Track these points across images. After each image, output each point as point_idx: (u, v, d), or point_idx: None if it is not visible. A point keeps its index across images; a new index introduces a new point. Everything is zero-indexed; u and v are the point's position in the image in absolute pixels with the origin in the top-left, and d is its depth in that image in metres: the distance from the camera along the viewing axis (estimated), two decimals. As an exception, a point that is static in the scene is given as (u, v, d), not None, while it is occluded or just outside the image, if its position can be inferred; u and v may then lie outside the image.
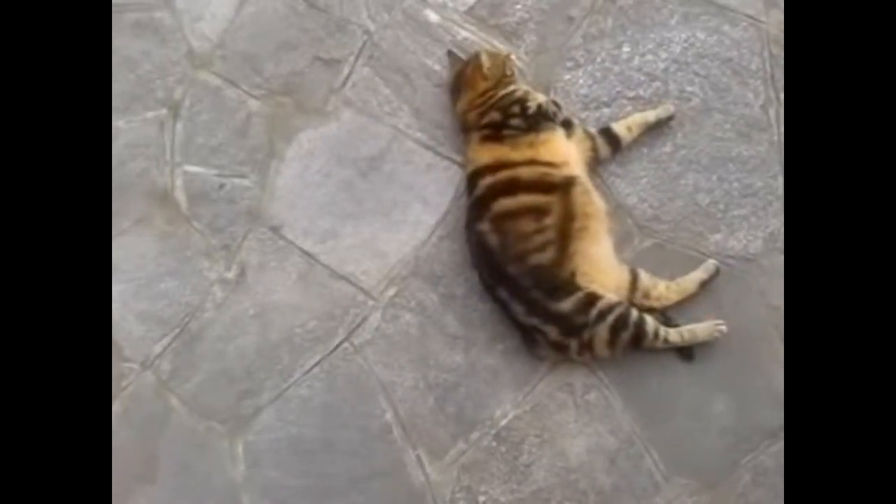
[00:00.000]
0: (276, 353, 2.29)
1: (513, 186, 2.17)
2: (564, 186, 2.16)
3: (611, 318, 2.10)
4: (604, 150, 2.25)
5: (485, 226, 2.18)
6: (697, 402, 2.17)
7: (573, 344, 2.14)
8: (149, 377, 2.30)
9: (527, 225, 2.15)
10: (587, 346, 2.13)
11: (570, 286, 2.13)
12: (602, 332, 2.11)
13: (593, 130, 2.26)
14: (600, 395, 2.21)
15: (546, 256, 2.14)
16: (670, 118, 2.27)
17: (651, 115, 2.26)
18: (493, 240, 2.17)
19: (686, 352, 2.18)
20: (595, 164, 2.26)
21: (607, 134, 2.25)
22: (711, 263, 2.20)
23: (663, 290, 2.18)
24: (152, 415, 2.29)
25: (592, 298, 2.11)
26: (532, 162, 2.18)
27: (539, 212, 2.15)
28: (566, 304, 2.12)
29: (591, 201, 2.17)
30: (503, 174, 2.18)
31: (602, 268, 2.16)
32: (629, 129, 2.26)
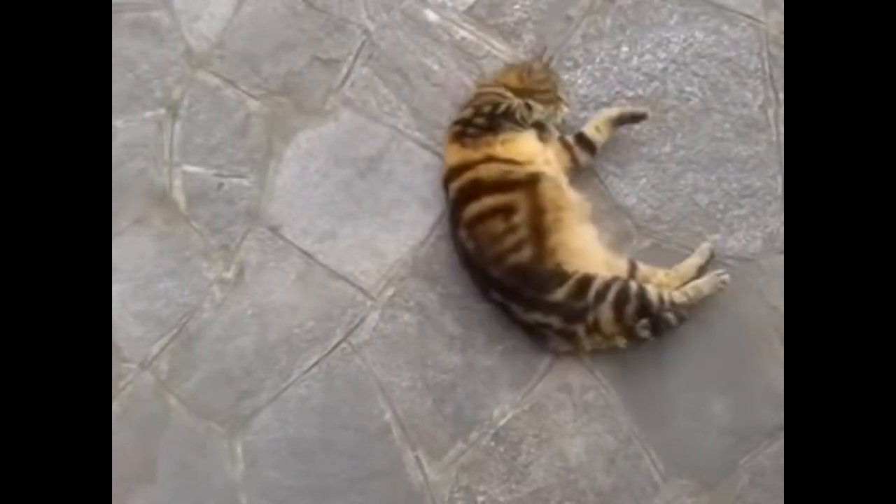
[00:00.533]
0: (274, 354, 2.29)
1: (476, 189, 2.17)
2: (529, 182, 2.15)
3: (611, 296, 2.09)
4: (583, 157, 2.24)
5: (462, 232, 2.19)
6: (696, 403, 2.17)
7: (580, 329, 2.13)
8: (147, 377, 2.30)
9: (496, 226, 2.15)
10: (594, 328, 2.13)
11: (558, 276, 2.12)
12: (605, 311, 2.10)
13: (570, 139, 2.25)
14: (598, 395, 2.21)
15: (524, 255, 2.13)
16: (636, 115, 2.24)
17: (614, 112, 2.25)
18: (470, 246, 2.18)
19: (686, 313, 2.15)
20: (578, 171, 2.25)
21: (582, 140, 2.24)
22: (706, 247, 2.20)
23: (662, 277, 2.17)
24: (151, 415, 2.29)
25: (586, 281, 2.11)
26: (490, 159, 2.18)
27: (506, 211, 2.14)
28: (560, 294, 2.11)
29: (564, 196, 2.16)
30: (466, 176, 2.18)
31: (588, 255, 2.15)
32: (598, 129, 2.23)
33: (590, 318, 2.11)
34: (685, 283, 2.17)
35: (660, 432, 2.18)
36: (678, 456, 2.17)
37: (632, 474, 2.18)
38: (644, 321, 2.11)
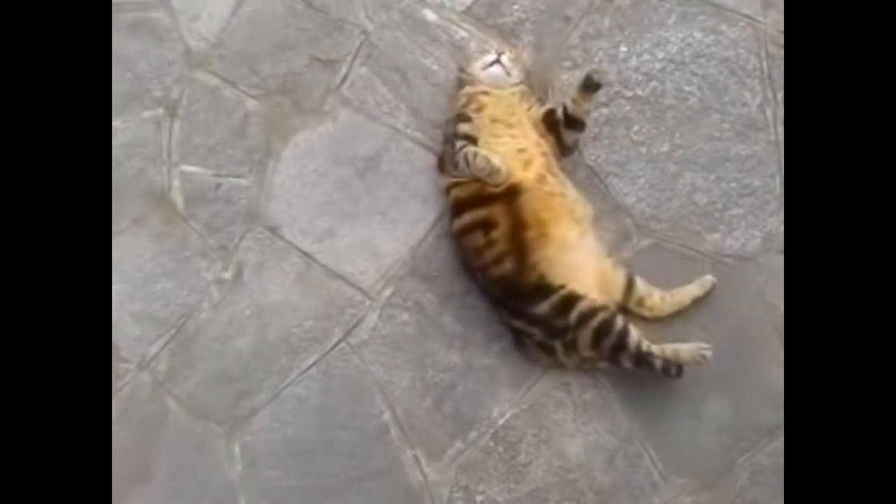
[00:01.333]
0: (273, 354, 2.28)
1: (459, 206, 2.18)
2: (507, 196, 2.12)
3: (594, 323, 2.09)
4: (569, 136, 2.21)
5: (454, 243, 2.22)
6: (695, 402, 2.17)
7: (558, 345, 2.13)
8: (145, 378, 2.29)
9: (477, 240, 2.15)
10: (572, 347, 2.13)
11: (542, 289, 2.11)
12: (585, 335, 2.10)
13: (559, 115, 2.19)
14: (598, 394, 2.21)
15: (506, 268, 2.12)
16: (597, 79, 2.13)
17: (580, 78, 2.16)
18: (459, 256, 2.22)
19: (676, 369, 2.13)
20: (567, 152, 2.24)
21: (567, 116, 2.18)
22: (708, 280, 2.19)
23: (657, 300, 2.17)
24: (149, 415, 2.28)
25: (571, 300, 2.10)
26: (459, 182, 2.17)
27: (486, 225, 2.13)
28: (543, 308, 2.11)
29: (549, 206, 2.13)
30: (451, 194, 2.20)
31: (579, 271, 2.13)
32: (575, 101, 2.17)
33: (569, 337, 2.11)
34: (678, 310, 2.18)
35: (659, 431, 2.17)
36: (677, 455, 2.16)
37: (631, 473, 2.17)
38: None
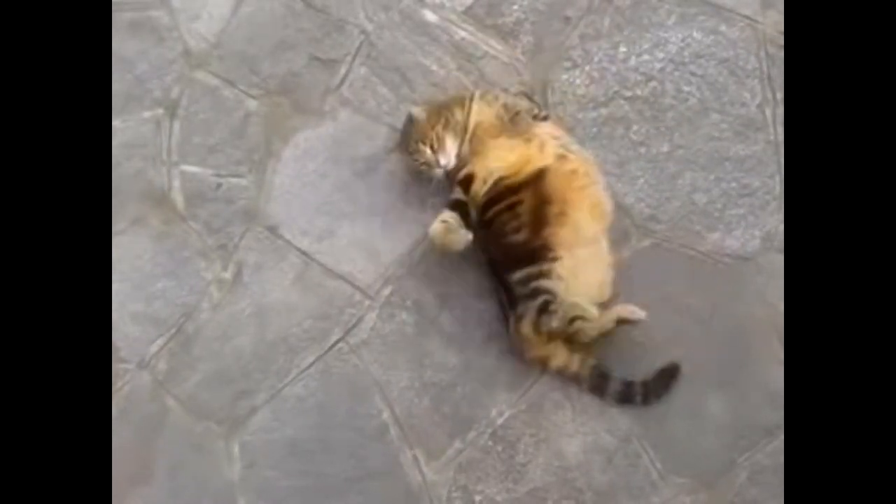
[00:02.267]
0: (272, 353, 2.29)
1: (491, 200, 2.18)
2: (533, 180, 2.15)
3: (540, 300, 2.09)
4: None
5: (480, 233, 2.19)
6: (694, 401, 2.17)
7: (512, 316, 2.15)
8: (145, 378, 2.30)
9: (504, 217, 2.16)
10: (518, 321, 2.13)
11: (533, 256, 2.11)
12: (531, 311, 2.10)
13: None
14: (597, 393, 2.21)
15: (520, 237, 2.14)
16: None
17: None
18: (482, 234, 2.19)
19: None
20: None
21: None
22: (640, 313, 2.10)
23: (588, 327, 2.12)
24: (148, 415, 2.29)
25: (539, 273, 2.10)
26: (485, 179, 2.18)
27: (515, 204, 2.15)
28: (518, 274, 2.12)
29: (572, 184, 2.15)
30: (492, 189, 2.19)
31: (588, 271, 2.14)
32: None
33: (520, 308, 2.13)
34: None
35: (658, 431, 2.17)
36: (676, 454, 2.16)
37: (630, 473, 2.17)
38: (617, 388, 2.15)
